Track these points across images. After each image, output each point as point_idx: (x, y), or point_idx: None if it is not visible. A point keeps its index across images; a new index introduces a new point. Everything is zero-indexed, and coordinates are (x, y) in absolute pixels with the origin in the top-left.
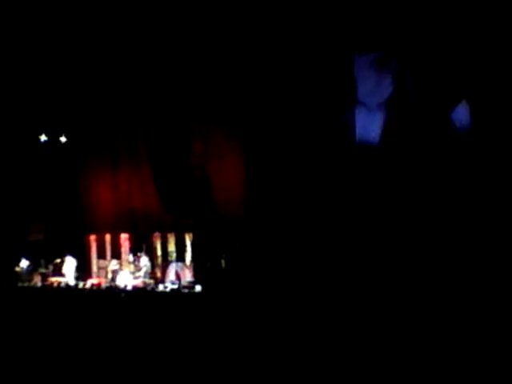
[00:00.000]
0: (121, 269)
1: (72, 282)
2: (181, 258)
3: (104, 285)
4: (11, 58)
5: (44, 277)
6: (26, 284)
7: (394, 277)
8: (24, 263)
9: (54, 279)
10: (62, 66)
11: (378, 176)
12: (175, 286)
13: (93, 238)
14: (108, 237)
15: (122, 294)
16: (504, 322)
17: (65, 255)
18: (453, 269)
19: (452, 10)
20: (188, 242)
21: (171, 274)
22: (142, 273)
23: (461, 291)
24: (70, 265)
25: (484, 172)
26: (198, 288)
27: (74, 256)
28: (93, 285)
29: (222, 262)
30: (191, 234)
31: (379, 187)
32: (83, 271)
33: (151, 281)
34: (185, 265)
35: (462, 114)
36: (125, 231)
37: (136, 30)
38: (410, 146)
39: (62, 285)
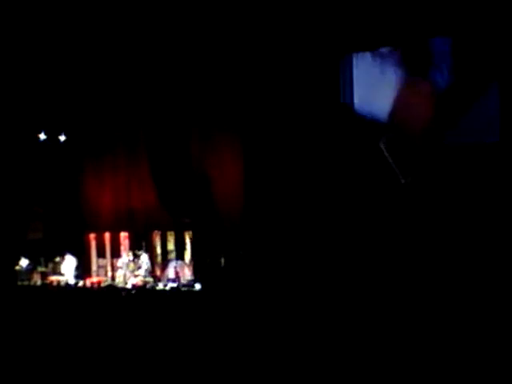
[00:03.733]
0: (120, 267)
1: (72, 281)
2: (180, 256)
3: (104, 283)
4: (11, 58)
5: (44, 275)
6: (26, 283)
7: (396, 279)
8: (24, 262)
9: (54, 278)
10: (61, 65)
11: (381, 178)
12: (175, 285)
13: (92, 236)
14: (108, 235)
15: (122, 293)
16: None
17: (64, 254)
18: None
19: None
20: (187, 241)
21: (171, 273)
22: (141, 271)
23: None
24: (69, 263)
25: None
26: (198, 286)
27: (73, 254)
28: (93, 283)
29: (222, 260)
30: (191, 233)
31: (383, 188)
32: (83, 270)
33: (151, 279)
34: (184, 263)
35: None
36: (124, 229)
37: (136, 30)
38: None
39: (62, 284)
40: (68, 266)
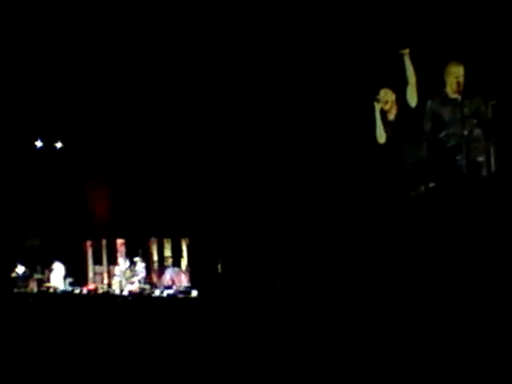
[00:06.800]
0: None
1: (61, 288)
2: (177, 263)
3: (100, 290)
4: (8, 65)
5: (40, 282)
6: (23, 290)
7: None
8: (20, 269)
9: (51, 285)
10: (58, 71)
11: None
12: (171, 291)
13: (89, 243)
14: (104, 242)
15: (119, 300)
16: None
17: (54, 261)
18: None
19: None
20: (184, 248)
21: (167, 279)
22: (138, 278)
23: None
24: (58, 271)
25: None
26: (194, 293)
27: (63, 262)
28: (89, 290)
29: (218, 267)
30: (187, 240)
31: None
32: (79, 277)
33: (147, 286)
34: (181, 270)
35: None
36: (121, 236)
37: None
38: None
39: (58, 291)
40: (56, 274)
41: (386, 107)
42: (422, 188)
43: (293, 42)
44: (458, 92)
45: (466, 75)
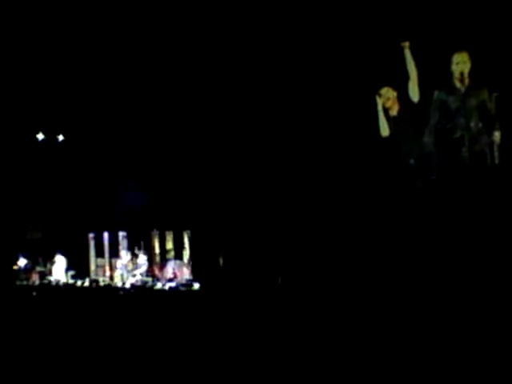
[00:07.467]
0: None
1: (64, 281)
2: (179, 256)
3: (102, 283)
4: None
5: (42, 275)
6: (25, 282)
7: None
8: (22, 262)
9: (52, 278)
10: (60, 66)
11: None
12: (173, 284)
13: (91, 236)
14: (106, 235)
15: (120, 292)
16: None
17: (56, 254)
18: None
19: None
20: (186, 240)
21: (169, 272)
22: (140, 271)
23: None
24: (60, 264)
25: None
26: (196, 286)
27: (64, 255)
28: (91, 283)
29: (220, 260)
30: (189, 232)
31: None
32: (82, 269)
33: (149, 279)
34: (183, 263)
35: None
36: (123, 229)
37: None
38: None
39: (60, 284)
40: (58, 267)
41: (388, 104)
42: (421, 184)
43: (295, 40)
44: (462, 82)
45: (471, 66)
